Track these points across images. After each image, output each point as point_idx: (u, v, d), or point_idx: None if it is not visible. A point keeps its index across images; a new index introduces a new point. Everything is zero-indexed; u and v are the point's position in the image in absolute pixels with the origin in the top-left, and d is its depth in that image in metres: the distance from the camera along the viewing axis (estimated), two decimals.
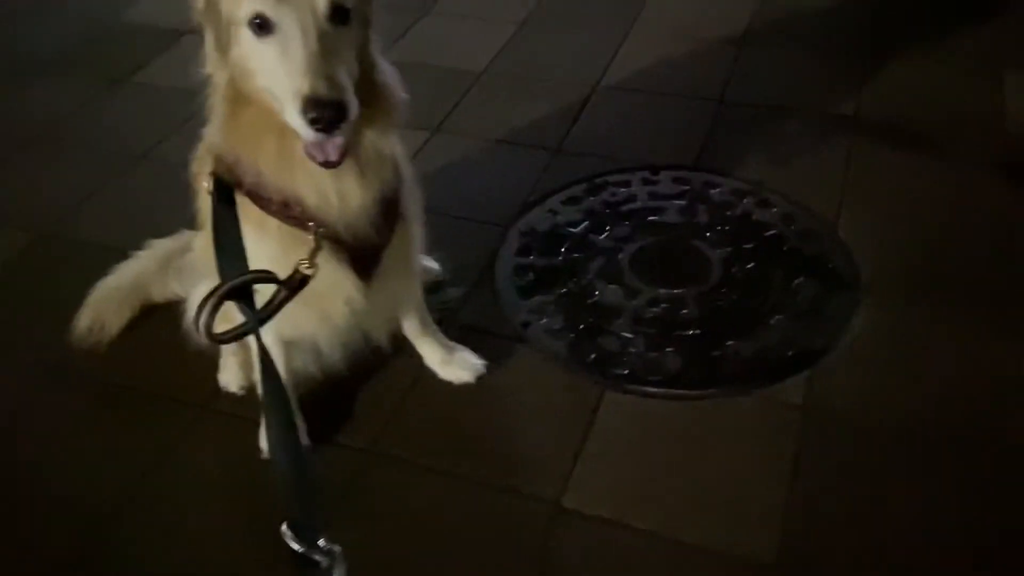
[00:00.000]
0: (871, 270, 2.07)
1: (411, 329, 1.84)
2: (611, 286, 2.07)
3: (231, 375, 1.82)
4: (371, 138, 1.39)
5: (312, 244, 1.36)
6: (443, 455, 1.70)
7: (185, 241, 1.91)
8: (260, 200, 1.39)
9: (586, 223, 2.26)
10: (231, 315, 1.23)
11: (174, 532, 1.59)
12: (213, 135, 1.37)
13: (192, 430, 1.78)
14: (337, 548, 1.01)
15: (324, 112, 1.17)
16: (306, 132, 1.20)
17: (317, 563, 1.01)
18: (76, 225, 2.35)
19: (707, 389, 1.82)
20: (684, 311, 1.99)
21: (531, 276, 2.11)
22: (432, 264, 2.10)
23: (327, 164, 1.28)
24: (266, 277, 1.25)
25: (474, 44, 3.08)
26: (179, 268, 1.96)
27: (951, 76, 2.72)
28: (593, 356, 1.90)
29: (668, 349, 1.90)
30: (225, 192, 1.37)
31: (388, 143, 1.43)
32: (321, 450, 1.70)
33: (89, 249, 2.22)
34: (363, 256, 1.51)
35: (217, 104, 1.34)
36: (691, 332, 1.94)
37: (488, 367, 1.86)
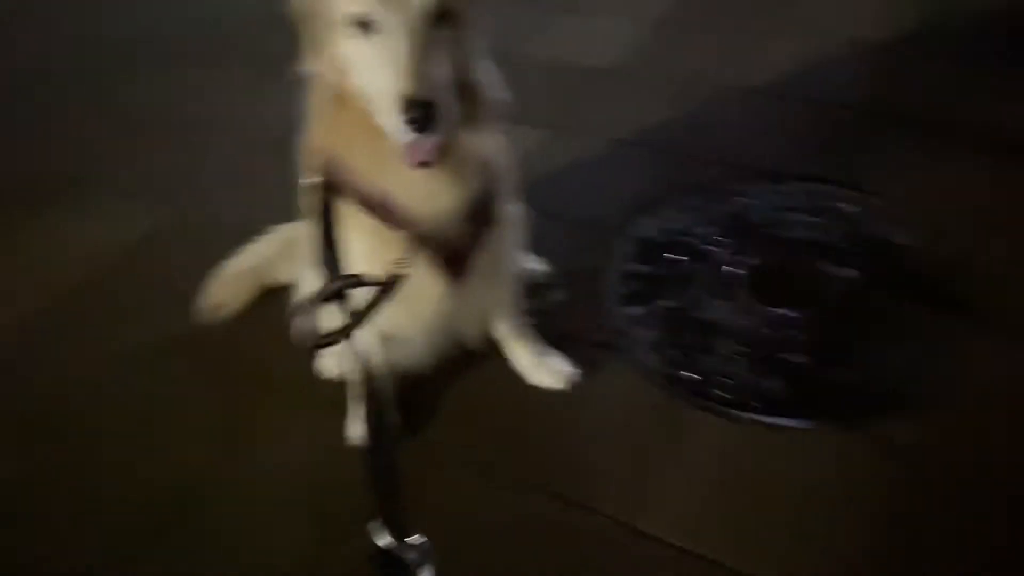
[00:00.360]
0: (1005, 307, 1.87)
1: (503, 331, 1.84)
2: (719, 302, 1.98)
3: (330, 361, 1.89)
4: (466, 138, 1.38)
5: (405, 244, 1.39)
6: (522, 461, 1.69)
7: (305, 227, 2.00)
8: (356, 198, 1.42)
9: (702, 233, 2.17)
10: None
11: (253, 515, 1.65)
12: (313, 131, 1.42)
13: (285, 414, 1.84)
14: (427, 542, 1.03)
15: (419, 112, 1.18)
16: (401, 132, 1.22)
17: (403, 560, 1.03)
18: (215, 205, 2.50)
19: (807, 420, 1.70)
20: (794, 334, 1.87)
21: (637, 284, 2.06)
22: (537, 265, 2.09)
23: (422, 164, 1.28)
24: (359, 282, 1.30)
25: (610, 41, 3.03)
26: (297, 253, 2.05)
27: None
28: (690, 374, 1.82)
29: (771, 374, 1.80)
30: (326, 189, 1.41)
31: (483, 144, 1.43)
32: (404, 444, 1.73)
33: (223, 229, 2.34)
34: (453, 257, 1.52)
35: (316, 102, 1.38)
36: (798, 358, 1.82)
37: (579, 375, 1.83)
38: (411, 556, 1.02)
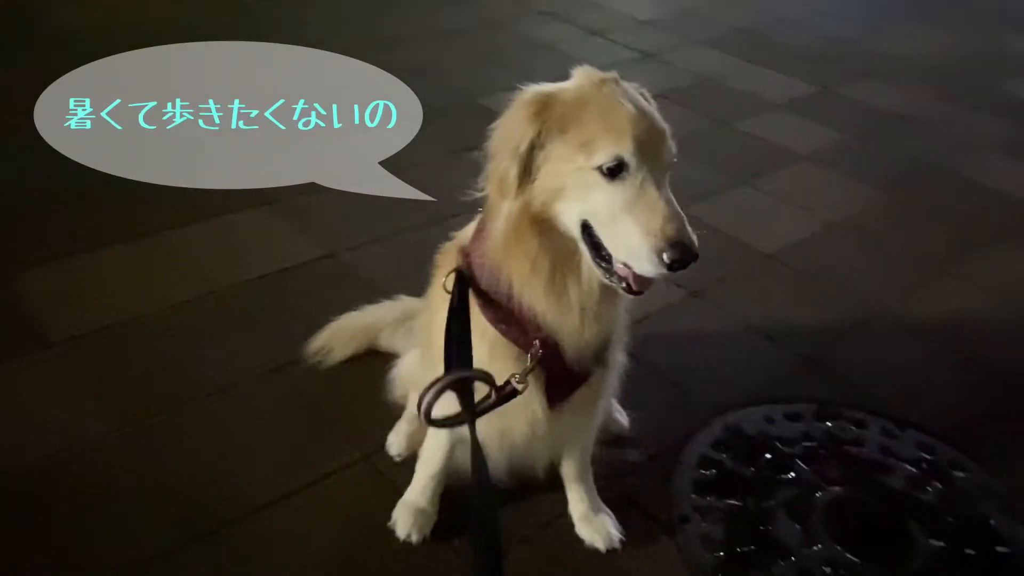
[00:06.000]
0: None
1: (568, 470, 1.83)
2: (791, 523, 1.89)
3: (398, 440, 1.95)
4: None
5: (527, 363, 1.45)
6: None
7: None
8: (487, 307, 1.47)
9: (798, 446, 2.10)
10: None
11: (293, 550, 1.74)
12: (490, 245, 1.44)
13: (346, 474, 1.91)
14: None
15: (684, 258, 1.25)
16: (653, 268, 1.27)
17: None
18: (357, 260, 2.65)
19: None
20: None
21: (714, 473, 2.00)
22: (622, 418, 2.08)
23: (637, 292, 1.35)
24: (486, 378, 1.39)
25: (777, 228, 3.03)
26: (409, 328, 2.14)
27: None
28: None
29: None
30: (464, 288, 1.47)
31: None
32: (435, 548, 1.76)
33: (359, 282, 2.52)
34: (561, 385, 1.55)
35: (499, 223, 1.40)
36: None
37: (623, 544, 1.79)
38: None
